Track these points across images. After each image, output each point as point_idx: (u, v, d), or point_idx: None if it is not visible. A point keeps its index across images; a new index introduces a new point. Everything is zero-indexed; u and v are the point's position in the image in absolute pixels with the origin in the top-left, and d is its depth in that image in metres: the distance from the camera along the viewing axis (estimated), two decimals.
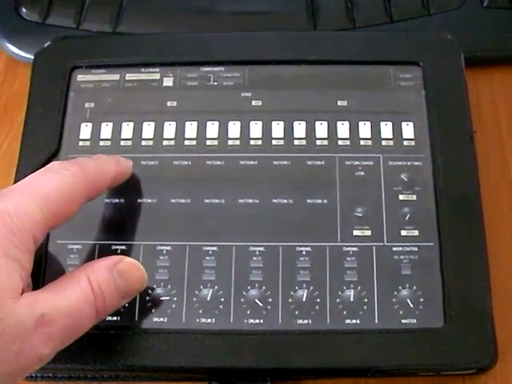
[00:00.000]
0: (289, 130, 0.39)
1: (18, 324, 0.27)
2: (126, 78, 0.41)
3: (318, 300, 0.35)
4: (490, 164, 0.41)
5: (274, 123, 0.39)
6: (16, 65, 0.47)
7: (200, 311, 0.35)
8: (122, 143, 0.39)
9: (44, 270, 0.36)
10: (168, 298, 0.36)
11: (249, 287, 0.36)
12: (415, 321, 0.35)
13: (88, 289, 0.30)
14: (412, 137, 0.39)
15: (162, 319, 0.35)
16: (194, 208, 0.37)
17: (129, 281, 0.32)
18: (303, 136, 0.39)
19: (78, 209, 0.32)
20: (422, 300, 0.35)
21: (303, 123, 0.39)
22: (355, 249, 0.36)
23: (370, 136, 0.39)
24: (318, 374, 0.35)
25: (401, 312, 0.35)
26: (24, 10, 0.47)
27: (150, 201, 0.38)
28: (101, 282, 0.30)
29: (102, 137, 0.40)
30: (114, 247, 0.37)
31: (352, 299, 0.35)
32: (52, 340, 0.28)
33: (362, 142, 0.39)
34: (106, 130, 0.40)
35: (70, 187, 0.31)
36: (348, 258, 0.36)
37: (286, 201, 0.37)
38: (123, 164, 0.36)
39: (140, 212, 0.38)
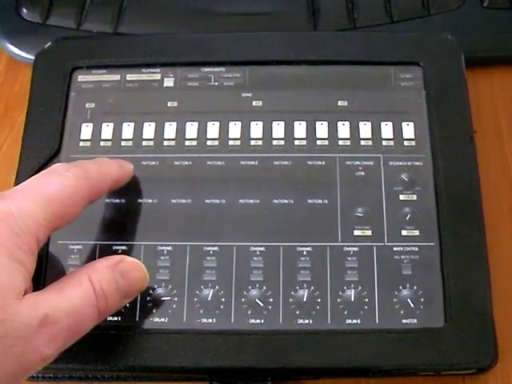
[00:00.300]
0: (289, 131, 0.39)
1: (22, 325, 0.27)
2: (127, 79, 0.41)
3: (319, 300, 0.35)
4: (490, 164, 0.41)
5: (274, 123, 0.39)
6: (17, 65, 0.47)
7: (201, 311, 0.35)
8: (123, 143, 0.39)
9: (45, 270, 0.36)
10: (169, 298, 0.36)
11: (249, 287, 0.36)
12: (416, 321, 0.35)
13: (90, 289, 0.30)
14: (412, 137, 0.39)
15: (162, 319, 0.35)
16: (194, 208, 0.37)
17: (130, 280, 0.32)
18: (304, 136, 0.39)
19: (79, 211, 0.32)
20: (422, 300, 0.35)
21: (304, 123, 0.39)
22: (356, 249, 0.36)
23: (370, 136, 0.39)
24: (318, 373, 0.36)
25: (401, 312, 0.35)
26: (25, 10, 0.47)
27: (150, 201, 0.38)
28: (102, 282, 0.30)
29: (102, 137, 0.40)
30: (114, 247, 0.37)
31: (353, 299, 0.35)
32: (55, 340, 0.28)
33: (362, 142, 0.39)
34: (107, 131, 0.40)
35: (72, 189, 0.31)
36: (349, 258, 0.36)
37: (286, 201, 0.37)
38: (124, 167, 0.37)
39: (141, 212, 0.38)
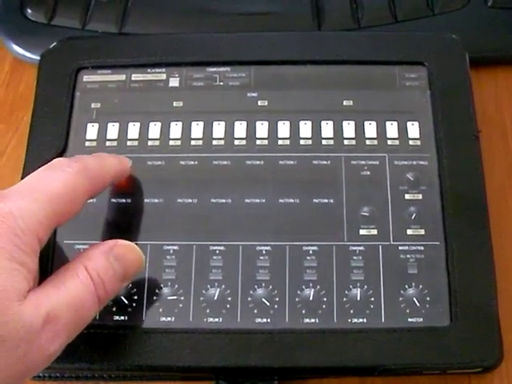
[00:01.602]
0: (295, 130, 0.39)
1: (25, 326, 0.27)
2: (132, 79, 0.41)
3: (325, 299, 0.35)
4: (495, 163, 0.41)
5: (279, 123, 0.40)
6: (22, 66, 0.47)
7: (207, 310, 0.35)
8: (129, 143, 0.39)
9: (51, 270, 0.36)
10: (175, 297, 0.36)
11: (256, 286, 0.36)
12: (421, 320, 0.35)
13: (87, 279, 0.30)
14: (417, 136, 0.39)
15: (169, 319, 0.35)
16: (200, 208, 0.38)
17: (126, 264, 0.32)
18: (309, 136, 0.39)
19: (81, 207, 0.32)
20: (428, 299, 0.35)
21: (309, 123, 0.39)
22: (361, 248, 0.36)
23: (375, 136, 0.39)
24: (324, 372, 0.36)
25: (407, 311, 0.35)
26: (29, 11, 0.47)
27: (156, 201, 0.38)
28: (99, 269, 0.30)
29: (108, 137, 0.40)
30: None
31: (359, 298, 0.35)
32: (58, 337, 0.28)
33: (367, 142, 0.39)
34: (113, 130, 0.40)
35: (73, 186, 0.31)
36: (354, 257, 0.36)
37: (292, 200, 0.38)
38: (123, 161, 0.36)
39: (147, 212, 0.38)
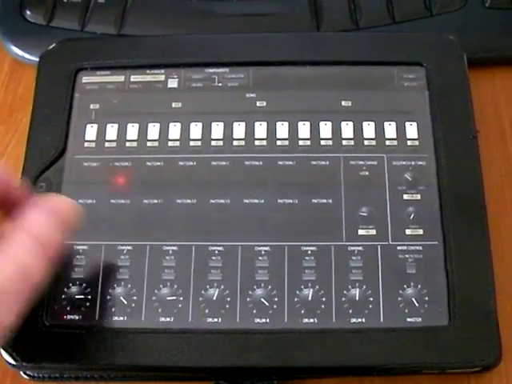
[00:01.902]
0: (293, 131, 0.39)
1: None
2: (131, 80, 0.41)
3: (324, 299, 0.35)
4: (493, 163, 0.41)
5: (278, 124, 0.40)
6: (21, 67, 0.47)
7: (206, 311, 0.35)
8: (128, 144, 0.40)
9: None
10: (174, 297, 0.36)
11: (255, 287, 0.36)
12: (420, 319, 0.35)
13: (27, 239, 0.28)
14: (416, 137, 0.39)
15: (168, 319, 0.35)
16: (199, 208, 0.38)
17: (62, 215, 0.30)
18: (308, 136, 0.39)
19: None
20: (426, 298, 0.35)
21: (307, 124, 0.40)
22: (360, 248, 0.36)
23: (373, 136, 0.39)
24: (323, 372, 0.36)
25: (406, 310, 0.35)
26: (28, 12, 0.47)
27: (155, 201, 0.38)
28: (38, 228, 0.29)
29: (107, 138, 0.40)
30: (119, 247, 0.37)
31: (357, 298, 0.35)
32: (10, 309, 0.27)
33: (366, 142, 0.39)
34: (112, 131, 0.40)
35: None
36: (353, 258, 0.36)
37: (291, 201, 0.38)
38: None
39: (146, 212, 0.38)
